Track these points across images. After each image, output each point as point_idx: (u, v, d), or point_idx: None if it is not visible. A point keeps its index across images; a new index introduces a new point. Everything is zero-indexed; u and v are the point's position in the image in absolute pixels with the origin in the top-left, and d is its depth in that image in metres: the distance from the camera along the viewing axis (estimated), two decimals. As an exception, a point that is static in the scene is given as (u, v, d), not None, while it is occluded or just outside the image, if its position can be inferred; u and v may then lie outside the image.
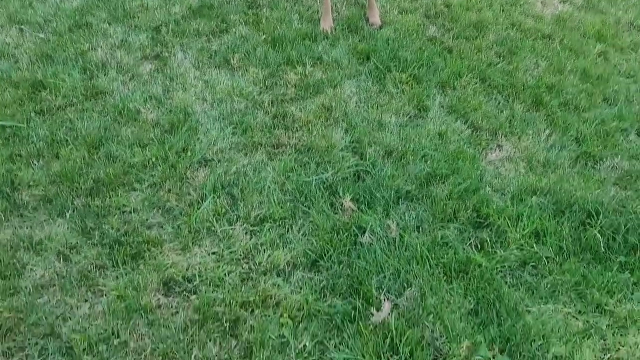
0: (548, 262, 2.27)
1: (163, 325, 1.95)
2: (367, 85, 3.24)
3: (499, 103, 3.23)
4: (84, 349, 1.84)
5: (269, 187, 2.53)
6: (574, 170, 2.81)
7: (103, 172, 2.53)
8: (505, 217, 2.43)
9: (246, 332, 1.95)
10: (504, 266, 2.25)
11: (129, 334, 1.92)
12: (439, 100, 3.17)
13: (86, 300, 2.02)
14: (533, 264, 2.27)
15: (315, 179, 2.57)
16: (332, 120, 2.96)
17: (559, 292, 2.17)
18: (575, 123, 3.12)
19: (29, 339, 1.87)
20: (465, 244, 2.34)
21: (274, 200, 2.46)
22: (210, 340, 1.93)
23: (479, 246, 2.33)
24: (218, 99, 3.04)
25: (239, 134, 2.83)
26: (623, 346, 1.99)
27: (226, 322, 1.97)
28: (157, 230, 2.31)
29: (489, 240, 2.34)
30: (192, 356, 1.86)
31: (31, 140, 2.67)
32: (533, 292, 2.16)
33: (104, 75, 3.17)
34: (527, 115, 3.15)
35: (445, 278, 2.18)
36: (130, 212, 2.37)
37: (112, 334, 1.91)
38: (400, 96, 3.17)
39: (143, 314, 1.98)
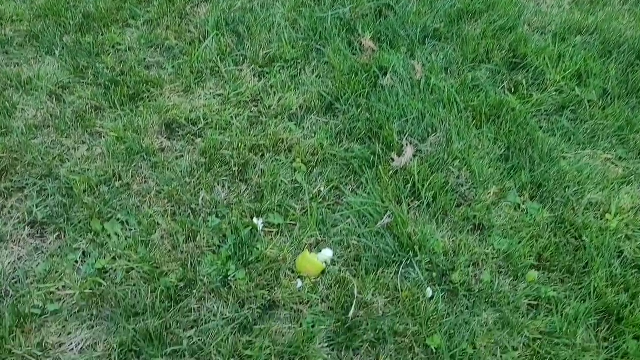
0: (590, 106, 2.05)
1: (167, 168, 1.82)
2: None
3: None
4: (84, 190, 1.73)
5: (279, 24, 2.25)
6: (625, 8, 2.49)
7: (93, 6, 2.26)
8: (544, 58, 2.16)
9: (256, 177, 1.82)
10: (540, 110, 2.03)
11: (132, 176, 1.79)
12: None
13: (84, 142, 1.87)
14: (572, 108, 2.05)
15: (331, 15, 2.29)
16: (350, -51, 2.58)
17: (599, 137, 1.97)
18: (633, -46, 2.70)
19: (26, 180, 1.76)
20: (498, 86, 2.11)
21: (284, 38, 2.20)
22: (218, 184, 1.80)
23: (513, 89, 2.10)
24: None
25: (244, -35, 2.48)
26: (665, 193, 1.84)
27: (235, 165, 1.83)
28: (157, 70, 2.09)
29: (524, 83, 2.10)
30: (200, 199, 1.75)
31: (9, -30, 2.36)
32: (570, 138, 1.97)
33: None
34: (577, -55, 2.72)
35: (474, 122, 1.98)
36: (125, 51, 2.14)
37: (113, 176, 1.78)
38: None
39: (145, 157, 1.84)
